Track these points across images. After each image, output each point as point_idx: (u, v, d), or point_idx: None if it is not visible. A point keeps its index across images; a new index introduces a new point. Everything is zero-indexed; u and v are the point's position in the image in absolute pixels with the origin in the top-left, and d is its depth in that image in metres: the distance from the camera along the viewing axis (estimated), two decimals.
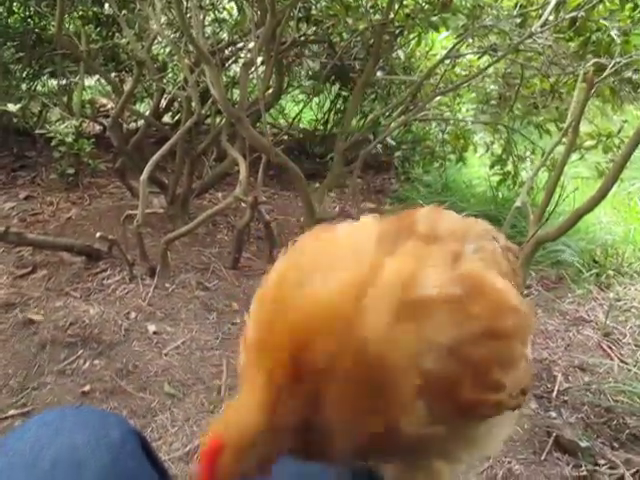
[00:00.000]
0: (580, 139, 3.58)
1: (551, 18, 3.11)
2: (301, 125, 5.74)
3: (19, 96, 4.50)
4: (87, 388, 2.38)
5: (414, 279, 0.75)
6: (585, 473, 2.21)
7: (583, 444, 2.32)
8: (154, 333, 2.72)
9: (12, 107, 3.63)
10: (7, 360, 2.49)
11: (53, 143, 3.72)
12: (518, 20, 3.44)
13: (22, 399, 2.32)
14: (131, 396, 2.37)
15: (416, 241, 0.83)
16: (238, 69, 4.67)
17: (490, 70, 4.14)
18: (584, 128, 3.81)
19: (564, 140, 3.03)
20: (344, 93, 5.06)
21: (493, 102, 4.31)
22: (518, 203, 2.79)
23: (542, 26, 3.01)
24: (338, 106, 5.36)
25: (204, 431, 0.76)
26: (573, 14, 3.01)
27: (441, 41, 4.67)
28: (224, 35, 4.70)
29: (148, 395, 2.38)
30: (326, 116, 5.47)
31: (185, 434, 2.21)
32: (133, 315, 2.83)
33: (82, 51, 3.48)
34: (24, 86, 4.74)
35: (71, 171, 4.00)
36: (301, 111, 5.37)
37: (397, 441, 0.72)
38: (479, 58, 4.21)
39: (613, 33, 3.05)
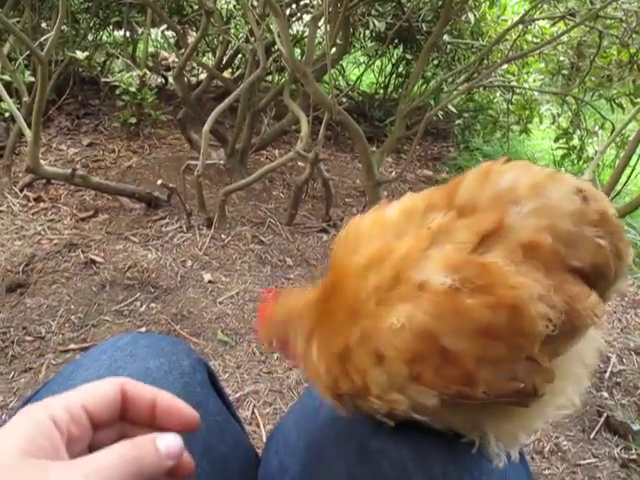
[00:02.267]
0: None
1: None
2: (361, 88, 5.66)
3: (85, 45, 4.57)
4: (143, 330, 2.45)
5: (413, 262, 0.73)
6: (635, 456, 2.17)
7: (635, 427, 2.27)
8: (209, 282, 2.77)
9: (80, 55, 3.69)
10: (69, 297, 2.59)
11: (117, 92, 3.78)
12: None
13: (82, 335, 2.41)
14: (185, 340, 2.43)
15: (445, 215, 0.77)
16: (301, 27, 4.62)
17: (563, 38, 3.95)
18: None
19: (638, 116, 2.90)
20: (408, 56, 4.93)
21: (564, 72, 4.13)
22: (586, 177, 2.69)
23: None
24: (400, 70, 5.24)
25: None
26: None
27: (512, 6, 4.49)
28: None
29: (202, 341, 2.44)
30: (387, 80, 5.36)
31: (236, 381, 2.27)
32: (189, 263, 2.88)
33: (150, 0, 3.49)
34: (90, 36, 4.80)
35: (133, 120, 4.06)
36: (363, 73, 5.28)
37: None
38: (553, 25, 4.02)
39: None
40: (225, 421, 0.98)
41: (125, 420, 0.66)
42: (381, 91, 5.45)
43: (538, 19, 3.73)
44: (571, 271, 0.77)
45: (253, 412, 2.14)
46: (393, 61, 5.23)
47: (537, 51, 3.76)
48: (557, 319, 0.73)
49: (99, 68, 4.91)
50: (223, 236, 3.10)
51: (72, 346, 2.34)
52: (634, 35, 3.32)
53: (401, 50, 4.97)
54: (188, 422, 0.67)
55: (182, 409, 0.68)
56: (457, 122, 5.00)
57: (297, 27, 4.78)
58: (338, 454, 0.85)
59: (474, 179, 0.79)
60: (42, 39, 3.22)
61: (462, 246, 0.72)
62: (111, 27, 4.96)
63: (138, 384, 0.67)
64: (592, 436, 2.25)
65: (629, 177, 2.93)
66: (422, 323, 0.70)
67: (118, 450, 0.56)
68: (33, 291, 2.60)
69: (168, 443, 0.60)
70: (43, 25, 4.49)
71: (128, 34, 4.66)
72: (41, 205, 3.26)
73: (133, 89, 3.72)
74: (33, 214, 3.18)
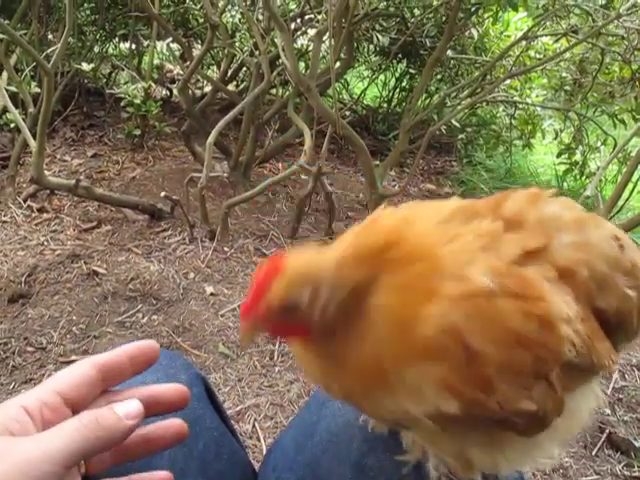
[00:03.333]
0: None
1: None
2: (364, 102, 5.69)
3: (91, 57, 4.61)
4: None
5: (461, 261, 0.74)
6: (637, 473, 2.15)
7: (637, 444, 2.26)
8: (211, 294, 2.78)
9: (86, 66, 3.73)
10: (71, 308, 2.59)
11: (122, 104, 3.80)
12: (603, 1, 3.29)
13: (84, 346, 2.41)
14: (186, 353, 2.43)
15: (493, 223, 0.79)
16: (305, 41, 4.66)
17: (566, 55, 3.98)
18: None
19: None
20: (411, 71, 4.97)
21: (567, 88, 4.15)
22: (588, 192, 2.69)
23: (630, 8, 2.86)
24: (403, 84, 5.28)
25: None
26: None
27: (515, 22, 4.52)
28: (293, 6, 4.69)
29: (203, 353, 2.44)
30: (390, 94, 5.40)
31: (237, 394, 2.26)
32: (192, 275, 2.89)
33: (157, 14, 3.52)
34: (96, 48, 4.85)
35: (137, 132, 4.09)
36: (367, 87, 5.32)
37: None
38: (556, 41, 4.05)
39: None
40: (222, 436, 0.98)
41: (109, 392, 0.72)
42: (385, 105, 5.48)
43: (541, 35, 3.76)
44: (595, 312, 0.79)
45: (254, 426, 2.13)
46: (397, 75, 5.27)
47: (540, 67, 3.78)
48: (580, 347, 0.74)
49: (104, 80, 4.96)
50: (226, 249, 3.10)
51: (73, 357, 2.34)
52: (636, 52, 3.35)
53: (405, 65, 5.00)
54: (178, 394, 0.74)
55: (167, 388, 0.75)
56: (460, 136, 5.02)
57: (301, 41, 4.82)
58: (335, 471, 0.85)
59: (523, 198, 0.83)
60: (49, 51, 3.25)
61: (507, 257, 0.74)
62: (117, 39, 5.01)
63: (112, 354, 0.72)
64: (594, 453, 2.23)
65: (631, 193, 2.93)
66: (453, 319, 0.71)
67: (77, 417, 0.63)
68: (35, 302, 2.61)
69: (126, 406, 0.66)
70: (50, 37, 4.54)
71: (134, 46, 4.70)
72: (44, 216, 3.27)
73: (138, 101, 3.75)
74: (36, 224, 3.19)
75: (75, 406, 0.67)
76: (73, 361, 2.31)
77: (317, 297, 0.74)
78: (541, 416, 0.73)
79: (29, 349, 2.35)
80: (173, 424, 0.75)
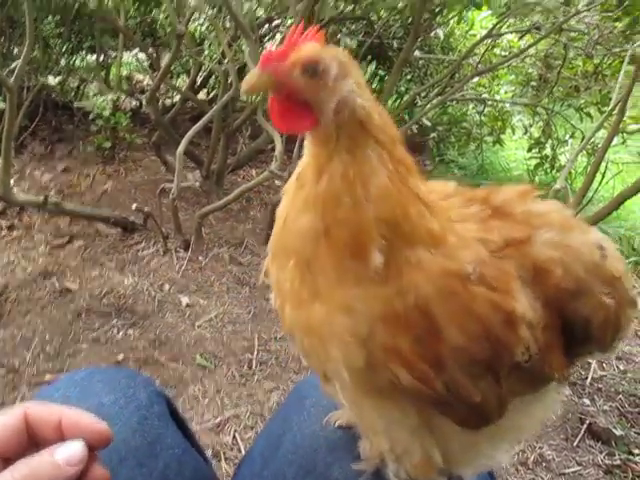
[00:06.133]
0: (623, 123, 3.46)
1: None
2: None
3: (58, 70, 4.55)
4: (121, 357, 2.42)
5: (455, 242, 0.77)
6: (618, 462, 2.17)
7: (617, 432, 2.28)
8: (187, 305, 2.75)
9: (52, 80, 3.68)
10: (44, 326, 2.55)
11: (91, 116, 3.76)
12: None
13: (58, 365, 2.37)
14: (163, 366, 2.40)
15: (481, 208, 0.82)
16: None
17: (531, 51, 4.03)
18: (627, 112, 3.69)
19: (606, 124, 2.95)
20: (380, 72, 4.99)
21: (533, 84, 4.21)
22: (557, 185, 2.72)
23: (588, 4, 2.91)
24: (374, 86, 5.29)
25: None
26: None
27: (480, 21, 4.57)
28: (261, 12, 4.68)
29: (180, 366, 2.41)
30: None
31: (216, 405, 2.24)
32: (167, 287, 2.86)
33: (122, 25, 3.50)
34: (63, 61, 4.79)
35: (107, 144, 4.04)
36: None
37: None
38: (520, 38, 4.10)
39: None
40: (185, 453, 0.97)
41: (38, 443, 0.65)
42: None
43: (505, 33, 3.80)
44: (565, 318, 0.80)
45: (234, 437, 2.11)
46: (367, 77, 5.28)
47: (505, 64, 3.83)
48: (533, 353, 0.75)
49: (73, 93, 4.90)
50: (200, 258, 3.08)
51: (47, 377, 2.30)
52: (597, 46, 3.40)
53: (374, 66, 5.02)
54: (98, 434, 0.66)
55: (90, 423, 0.66)
56: (432, 135, 5.05)
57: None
58: None
59: (514, 191, 0.87)
60: (13, 65, 3.20)
61: (491, 245, 0.78)
62: (84, 52, 4.95)
63: (42, 406, 0.66)
64: (575, 444, 2.25)
65: (599, 184, 2.97)
66: (427, 291, 0.72)
67: (9, 470, 0.58)
68: (6, 322, 2.56)
69: (67, 452, 0.61)
70: (16, 51, 4.47)
71: (101, 58, 4.65)
72: (14, 233, 3.22)
73: (107, 113, 3.71)
74: (6, 243, 3.14)
75: (5, 457, 0.62)
76: (47, 381, 2.27)
77: (343, 82, 0.73)
78: (482, 409, 0.74)
79: (0, 372, 2.30)
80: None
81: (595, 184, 2.87)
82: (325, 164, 0.73)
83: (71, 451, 0.61)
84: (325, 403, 0.96)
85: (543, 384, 0.82)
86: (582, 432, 2.30)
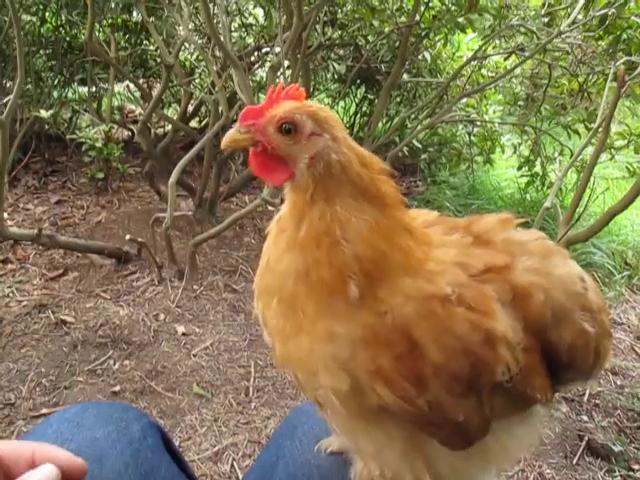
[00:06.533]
0: (610, 139, 3.52)
1: (580, 17, 3.08)
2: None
3: (51, 103, 4.59)
4: (117, 388, 2.41)
5: (433, 267, 0.79)
6: (619, 478, 2.17)
7: (616, 448, 2.27)
8: (183, 334, 2.75)
9: (44, 113, 3.70)
10: (40, 359, 2.54)
11: (83, 148, 3.79)
12: (546, 19, 3.41)
13: (54, 398, 2.36)
14: (160, 396, 2.39)
15: (463, 235, 0.84)
16: (264, 74, 4.71)
17: (517, 71, 4.10)
18: (614, 128, 3.75)
19: (593, 140, 2.99)
20: (370, 96, 5.05)
21: (520, 103, 4.27)
22: (547, 204, 2.75)
23: (571, 25, 2.97)
24: (364, 109, 5.35)
25: None
26: (603, 12, 2.96)
27: (467, 43, 4.64)
28: (250, 40, 4.75)
29: (177, 395, 2.41)
30: (352, 119, 5.47)
31: (214, 434, 2.23)
32: (162, 317, 2.86)
33: (112, 57, 3.55)
34: (55, 93, 4.84)
35: (101, 175, 4.07)
36: None
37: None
38: (506, 59, 4.17)
39: None
40: None
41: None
42: (347, 131, 5.54)
43: (490, 55, 3.87)
44: (546, 345, 0.82)
45: (232, 465, 2.10)
46: (356, 101, 5.35)
47: (492, 85, 3.88)
48: (514, 374, 0.77)
49: (65, 125, 4.94)
50: (195, 287, 3.09)
51: (44, 410, 2.29)
52: (581, 65, 3.46)
53: (364, 90, 5.08)
54: (72, 465, 0.68)
55: (63, 455, 0.68)
56: (423, 157, 5.09)
57: (261, 73, 4.88)
58: None
59: (494, 220, 0.89)
60: (5, 99, 3.23)
61: (471, 270, 0.80)
62: (76, 84, 5.00)
63: (11, 444, 0.68)
64: (575, 461, 2.25)
65: (588, 199, 2.99)
66: (406, 312, 0.75)
67: None
68: (2, 356, 2.55)
69: (40, 474, 0.63)
70: (9, 85, 4.51)
71: (93, 90, 4.70)
72: (9, 267, 3.22)
73: (99, 144, 3.74)
74: (1, 276, 3.14)
75: None
76: (43, 414, 2.26)
77: (317, 137, 0.79)
78: (465, 428, 0.75)
79: None
80: None
81: (585, 200, 2.89)
82: (305, 211, 0.78)
83: (44, 473, 0.63)
84: (317, 431, 0.97)
85: (527, 405, 0.84)
86: (581, 449, 2.30)
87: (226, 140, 0.81)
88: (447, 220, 0.90)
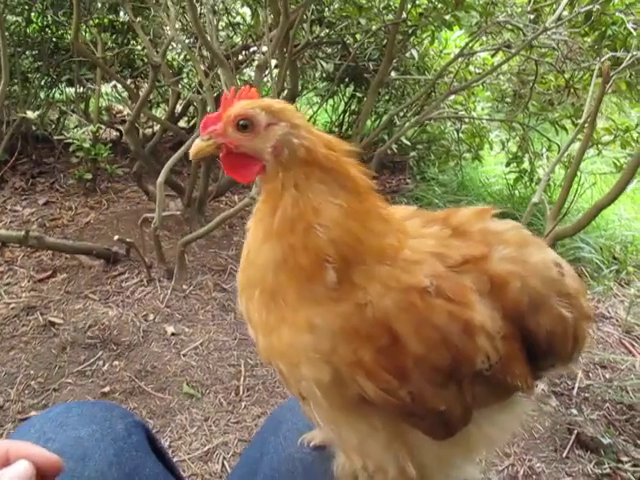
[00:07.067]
0: (597, 135, 3.54)
1: (565, 13, 3.09)
2: (315, 127, 5.73)
3: (38, 104, 4.57)
4: (107, 389, 2.40)
5: (401, 260, 0.80)
6: (608, 470, 2.18)
7: (605, 441, 2.29)
8: (172, 334, 2.74)
9: (31, 114, 3.68)
10: (29, 362, 2.53)
11: (71, 149, 3.77)
12: (532, 16, 3.42)
13: (43, 400, 2.35)
14: (150, 396, 2.39)
15: (442, 228, 0.85)
16: (252, 73, 4.71)
17: (504, 68, 4.12)
18: (601, 124, 3.77)
19: (580, 136, 3.00)
20: (358, 94, 5.06)
21: (508, 100, 4.29)
22: (535, 199, 2.77)
23: (556, 21, 2.99)
24: (352, 107, 5.36)
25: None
26: (588, 8, 2.97)
27: (454, 40, 4.65)
28: (237, 39, 4.75)
29: (167, 395, 2.40)
30: (340, 118, 5.47)
31: (204, 434, 2.23)
32: (151, 317, 2.85)
33: (98, 58, 3.53)
34: (42, 94, 4.81)
35: (89, 176, 4.05)
36: (315, 113, 5.38)
37: None
38: (493, 56, 4.19)
39: (629, 26, 3.01)
40: None
41: None
42: (335, 129, 5.55)
43: (476, 52, 3.88)
44: (524, 332, 0.82)
45: (223, 465, 2.10)
46: (345, 99, 5.35)
47: (479, 82, 3.90)
48: (494, 362, 0.77)
49: (53, 126, 4.91)
50: (184, 287, 3.08)
51: (33, 413, 2.27)
52: (568, 61, 3.48)
53: (352, 89, 5.09)
54: (47, 461, 0.68)
55: (38, 452, 0.68)
56: (412, 154, 5.11)
57: (249, 72, 4.87)
58: None
59: (471, 212, 0.91)
60: None
61: (449, 261, 0.81)
62: (63, 84, 4.97)
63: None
64: (565, 455, 2.26)
65: (575, 195, 3.01)
66: (386, 305, 0.75)
67: None
68: None
69: (14, 471, 0.63)
70: None
71: (80, 90, 4.68)
72: None
73: (87, 145, 3.72)
74: None
75: None
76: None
77: (275, 127, 0.80)
78: (447, 418, 0.76)
79: None
80: None
81: (573, 195, 2.90)
82: (277, 200, 0.79)
83: (18, 469, 0.63)
84: (301, 426, 0.97)
85: (508, 393, 0.84)
86: (571, 442, 2.31)
87: (193, 151, 0.85)
88: (425, 213, 0.90)
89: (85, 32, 4.42)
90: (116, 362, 2.56)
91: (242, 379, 2.50)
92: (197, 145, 0.84)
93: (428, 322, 0.76)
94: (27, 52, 4.59)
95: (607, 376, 2.70)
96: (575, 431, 2.35)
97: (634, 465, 2.19)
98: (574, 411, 2.49)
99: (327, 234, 0.76)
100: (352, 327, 0.74)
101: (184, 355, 2.62)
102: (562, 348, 0.87)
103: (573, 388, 2.62)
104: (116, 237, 3.01)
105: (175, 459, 2.11)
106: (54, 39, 4.56)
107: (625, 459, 2.22)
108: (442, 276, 0.79)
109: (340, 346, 0.74)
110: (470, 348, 0.77)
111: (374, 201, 0.82)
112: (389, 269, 0.77)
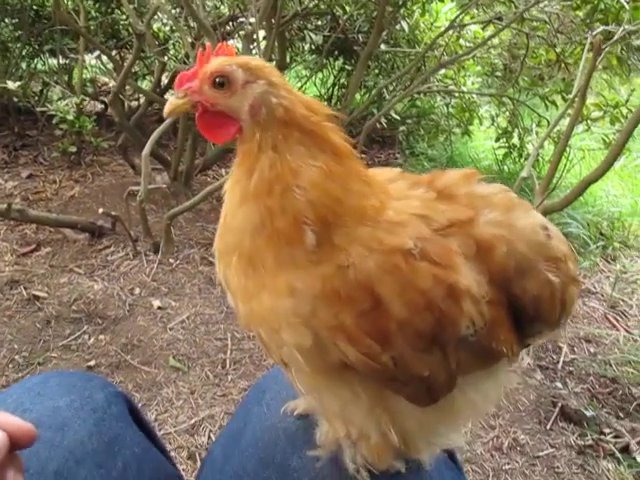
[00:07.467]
0: (587, 110, 3.52)
1: None
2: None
3: (20, 75, 4.46)
4: (92, 363, 2.39)
5: (392, 219, 0.78)
6: (590, 442, 2.22)
7: (588, 413, 2.32)
8: (158, 308, 2.73)
9: (12, 85, 3.58)
10: (12, 336, 2.50)
11: (55, 121, 3.68)
12: None
13: (27, 374, 2.33)
14: (136, 370, 2.38)
15: (427, 193, 0.83)
16: (240, 44, 4.62)
17: (495, 41, 4.07)
18: (591, 99, 3.75)
19: (570, 111, 2.99)
20: (347, 67, 5.00)
21: (498, 74, 4.25)
22: (524, 174, 2.75)
23: None
24: (342, 81, 5.30)
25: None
26: None
27: (445, 13, 4.58)
28: (225, 9, 4.65)
29: (153, 369, 2.39)
30: (330, 91, 5.41)
31: (190, 407, 2.22)
32: (137, 291, 2.83)
33: (82, 27, 3.44)
34: (24, 65, 4.70)
35: (73, 149, 3.98)
36: (303, 85, 5.32)
37: None
38: (484, 29, 4.14)
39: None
40: (145, 452, 0.96)
41: None
42: (325, 103, 5.49)
43: (467, 24, 3.83)
44: (511, 298, 0.81)
45: (209, 437, 2.10)
46: (334, 73, 5.28)
47: (469, 55, 3.86)
48: (479, 328, 0.76)
49: (36, 97, 4.80)
50: (171, 260, 3.05)
51: None
52: (559, 35, 3.45)
53: (341, 62, 5.02)
54: (21, 430, 0.68)
55: (12, 421, 0.68)
56: (401, 129, 5.07)
57: (237, 44, 4.78)
58: (261, 475, 0.84)
59: (457, 175, 0.88)
60: None
61: (435, 224, 0.79)
62: (46, 55, 4.86)
63: None
64: (548, 427, 2.29)
65: (563, 170, 3.01)
66: (368, 267, 0.73)
67: None
68: None
69: None
70: None
71: (63, 61, 4.57)
72: None
73: (71, 117, 3.64)
74: None
75: None
76: None
77: (252, 84, 0.77)
78: (431, 384, 0.75)
79: None
80: None
81: (561, 171, 2.90)
82: (254, 161, 0.77)
83: None
84: (284, 395, 0.96)
85: (493, 360, 0.83)
86: (555, 415, 2.34)
87: (167, 109, 0.81)
88: (410, 176, 0.88)
89: (67, 0, 4.31)
90: (102, 336, 2.54)
91: (228, 352, 2.50)
92: (172, 103, 0.80)
93: (412, 285, 0.74)
94: (6, 20, 4.47)
95: (592, 350, 2.73)
96: (559, 404, 2.38)
97: (616, 437, 2.22)
98: (559, 384, 2.52)
99: (305, 196, 0.74)
100: (333, 290, 0.72)
101: (170, 329, 2.60)
102: (549, 313, 0.85)
103: (558, 362, 2.64)
104: (101, 210, 2.97)
105: (161, 432, 2.11)
106: (34, 7, 4.43)
107: (607, 431, 2.25)
108: (427, 238, 0.77)
109: (321, 310, 0.72)
110: (455, 312, 0.76)
111: (354, 164, 0.80)
112: (371, 230, 0.75)
